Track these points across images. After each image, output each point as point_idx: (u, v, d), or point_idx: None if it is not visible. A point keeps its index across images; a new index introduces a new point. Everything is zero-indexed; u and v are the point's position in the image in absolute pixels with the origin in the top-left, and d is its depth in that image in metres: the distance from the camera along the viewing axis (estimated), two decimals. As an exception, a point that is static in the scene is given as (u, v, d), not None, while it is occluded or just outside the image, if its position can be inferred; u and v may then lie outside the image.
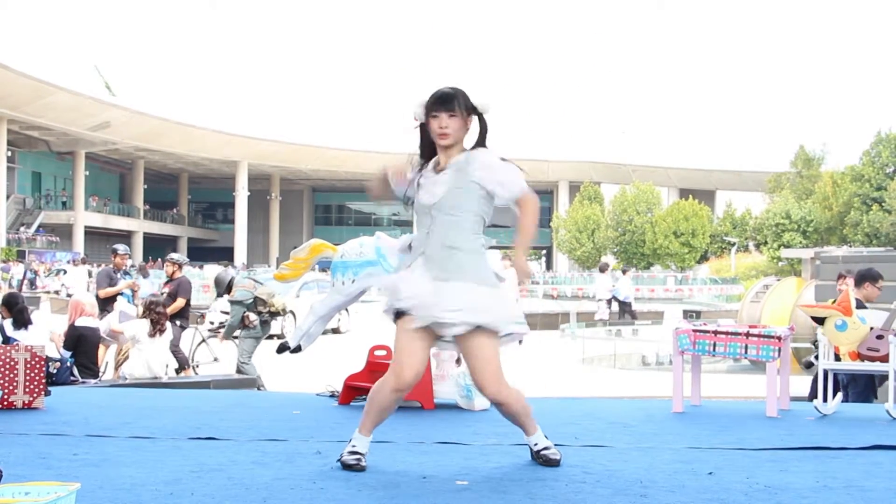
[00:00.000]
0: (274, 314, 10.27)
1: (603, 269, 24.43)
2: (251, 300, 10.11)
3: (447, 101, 3.56)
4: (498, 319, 3.49)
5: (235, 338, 10.47)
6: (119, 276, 10.77)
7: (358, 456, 3.58)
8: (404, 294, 3.51)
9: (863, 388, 6.85)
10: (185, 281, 11.06)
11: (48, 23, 75.78)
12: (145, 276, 25.60)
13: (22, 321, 7.97)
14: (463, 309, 3.44)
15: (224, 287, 10.83)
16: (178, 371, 9.99)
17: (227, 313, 19.74)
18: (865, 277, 6.96)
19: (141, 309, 9.13)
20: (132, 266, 12.62)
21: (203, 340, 12.09)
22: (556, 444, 4.17)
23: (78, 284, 25.57)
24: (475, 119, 3.63)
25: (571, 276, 47.94)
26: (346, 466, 3.56)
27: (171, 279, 10.93)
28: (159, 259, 45.74)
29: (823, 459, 3.95)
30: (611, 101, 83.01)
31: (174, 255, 11.33)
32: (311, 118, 65.20)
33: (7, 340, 6.91)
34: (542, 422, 4.93)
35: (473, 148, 3.62)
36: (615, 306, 23.47)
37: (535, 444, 3.75)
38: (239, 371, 10.17)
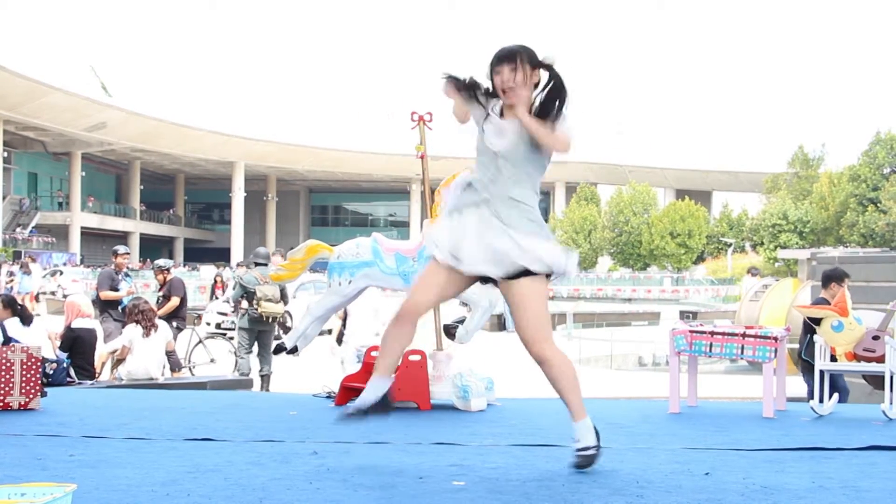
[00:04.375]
0: (261, 314, 10.36)
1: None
2: (253, 289, 10.38)
3: (509, 57, 3.50)
4: (538, 259, 3.45)
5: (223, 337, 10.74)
6: (120, 277, 10.74)
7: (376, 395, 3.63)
8: (444, 245, 3.53)
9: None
10: (176, 280, 11.18)
11: (44, 23, 75.80)
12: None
13: (28, 318, 8.08)
14: (503, 260, 3.45)
15: (255, 259, 11.10)
16: (171, 372, 9.99)
17: (223, 314, 19.80)
18: (831, 278, 7.09)
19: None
20: (129, 267, 12.63)
21: (200, 341, 12.11)
22: (553, 445, 4.18)
23: (74, 284, 25.60)
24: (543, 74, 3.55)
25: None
26: (357, 412, 3.63)
27: (163, 285, 11.04)
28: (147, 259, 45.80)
29: (820, 460, 3.95)
30: (607, 101, 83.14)
31: (159, 262, 11.52)
32: (308, 119, 65.12)
33: (8, 341, 6.89)
34: (539, 423, 4.95)
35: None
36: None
37: (577, 441, 3.59)
38: (236, 362, 10.56)
